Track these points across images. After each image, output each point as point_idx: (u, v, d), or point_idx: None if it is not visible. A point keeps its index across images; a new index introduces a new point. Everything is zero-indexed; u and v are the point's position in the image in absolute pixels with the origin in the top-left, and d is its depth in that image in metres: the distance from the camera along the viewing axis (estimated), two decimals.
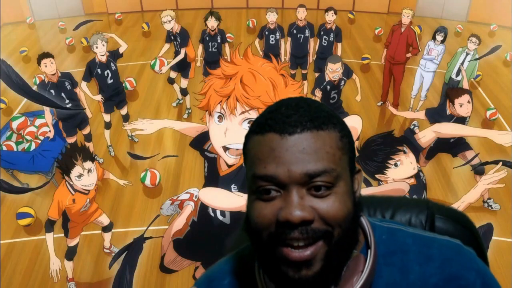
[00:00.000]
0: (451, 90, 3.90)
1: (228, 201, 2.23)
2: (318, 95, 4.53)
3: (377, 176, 2.57)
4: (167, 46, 5.46)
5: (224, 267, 0.82)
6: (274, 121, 0.65)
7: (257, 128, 0.67)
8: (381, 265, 0.70)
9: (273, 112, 0.67)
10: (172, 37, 5.34)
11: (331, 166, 0.63)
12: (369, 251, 0.70)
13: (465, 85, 4.80)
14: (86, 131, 4.66)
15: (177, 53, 5.37)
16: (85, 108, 4.53)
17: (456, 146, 4.02)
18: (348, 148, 0.68)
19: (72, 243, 3.38)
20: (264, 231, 0.64)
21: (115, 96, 4.83)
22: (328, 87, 4.51)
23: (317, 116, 0.65)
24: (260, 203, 0.65)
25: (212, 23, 5.32)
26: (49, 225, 3.08)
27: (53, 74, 4.20)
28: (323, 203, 0.63)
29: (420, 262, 0.70)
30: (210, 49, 5.46)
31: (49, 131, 4.54)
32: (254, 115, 2.10)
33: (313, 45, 5.72)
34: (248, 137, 0.69)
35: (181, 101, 6.08)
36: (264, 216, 0.64)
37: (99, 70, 4.57)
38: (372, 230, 0.73)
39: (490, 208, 4.21)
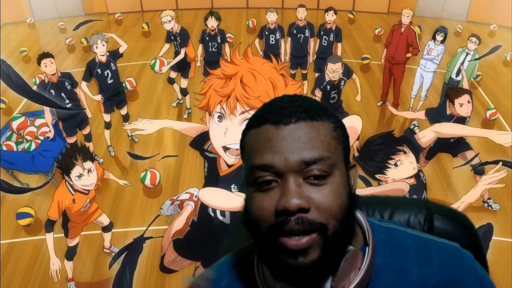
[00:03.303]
0: (451, 90, 3.90)
1: (228, 201, 2.23)
2: (318, 95, 4.54)
3: (377, 176, 2.57)
4: (167, 46, 5.46)
5: (222, 268, 0.82)
6: (269, 113, 0.67)
7: (253, 122, 0.68)
8: (380, 265, 0.70)
9: (268, 106, 0.69)
10: (172, 37, 5.34)
11: (326, 154, 0.64)
12: (367, 248, 0.71)
13: (465, 85, 4.80)
14: (86, 131, 4.66)
15: (177, 53, 5.37)
16: (85, 108, 4.54)
17: (456, 146, 4.02)
18: (342, 140, 0.69)
19: (72, 243, 3.38)
20: (264, 223, 0.65)
21: (115, 96, 4.83)
22: (328, 87, 4.51)
23: (311, 108, 0.67)
24: (259, 194, 0.66)
25: (212, 23, 5.32)
26: (49, 225, 3.08)
27: (53, 74, 4.20)
28: (319, 192, 0.64)
29: (419, 264, 0.70)
30: (210, 49, 5.46)
31: (49, 131, 4.54)
32: None
33: (313, 45, 5.72)
34: (244, 132, 0.70)
35: (181, 101, 6.08)
36: (264, 207, 0.65)
37: (99, 70, 4.57)
38: (370, 228, 0.73)
39: (490, 208, 4.21)
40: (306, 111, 0.66)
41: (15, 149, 4.63)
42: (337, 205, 0.64)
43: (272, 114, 0.66)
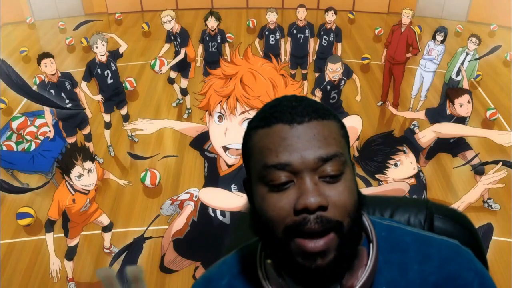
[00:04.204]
0: (451, 90, 3.89)
1: (228, 201, 2.24)
2: (318, 95, 4.54)
3: (377, 176, 2.57)
4: (167, 46, 5.46)
5: (222, 267, 0.82)
6: (280, 113, 0.67)
7: (261, 123, 0.68)
8: (381, 262, 0.71)
9: (276, 106, 0.69)
10: (172, 37, 5.34)
11: (340, 151, 0.65)
12: (371, 244, 0.71)
13: (465, 85, 4.80)
14: (86, 131, 4.66)
15: (177, 53, 5.37)
16: (85, 108, 4.54)
17: (456, 146, 4.02)
18: (347, 139, 0.70)
19: (72, 243, 3.38)
20: (280, 224, 0.64)
21: (115, 96, 4.83)
22: (328, 87, 4.51)
23: (319, 107, 0.68)
24: (273, 195, 0.65)
25: (212, 23, 5.32)
26: (49, 225, 3.08)
27: (53, 74, 4.20)
28: (334, 190, 0.64)
29: (419, 261, 0.70)
30: (210, 49, 5.46)
31: (49, 131, 4.54)
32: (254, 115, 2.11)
33: (313, 45, 5.72)
34: (250, 133, 0.69)
35: (181, 101, 6.08)
36: (281, 208, 0.64)
37: (99, 70, 4.57)
38: (372, 225, 0.73)
39: (490, 208, 4.21)
40: (315, 110, 0.67)
41: (15, 149, 4.63)
42: (351, 202, 0.65)
43: (283, 114, 0.66)
